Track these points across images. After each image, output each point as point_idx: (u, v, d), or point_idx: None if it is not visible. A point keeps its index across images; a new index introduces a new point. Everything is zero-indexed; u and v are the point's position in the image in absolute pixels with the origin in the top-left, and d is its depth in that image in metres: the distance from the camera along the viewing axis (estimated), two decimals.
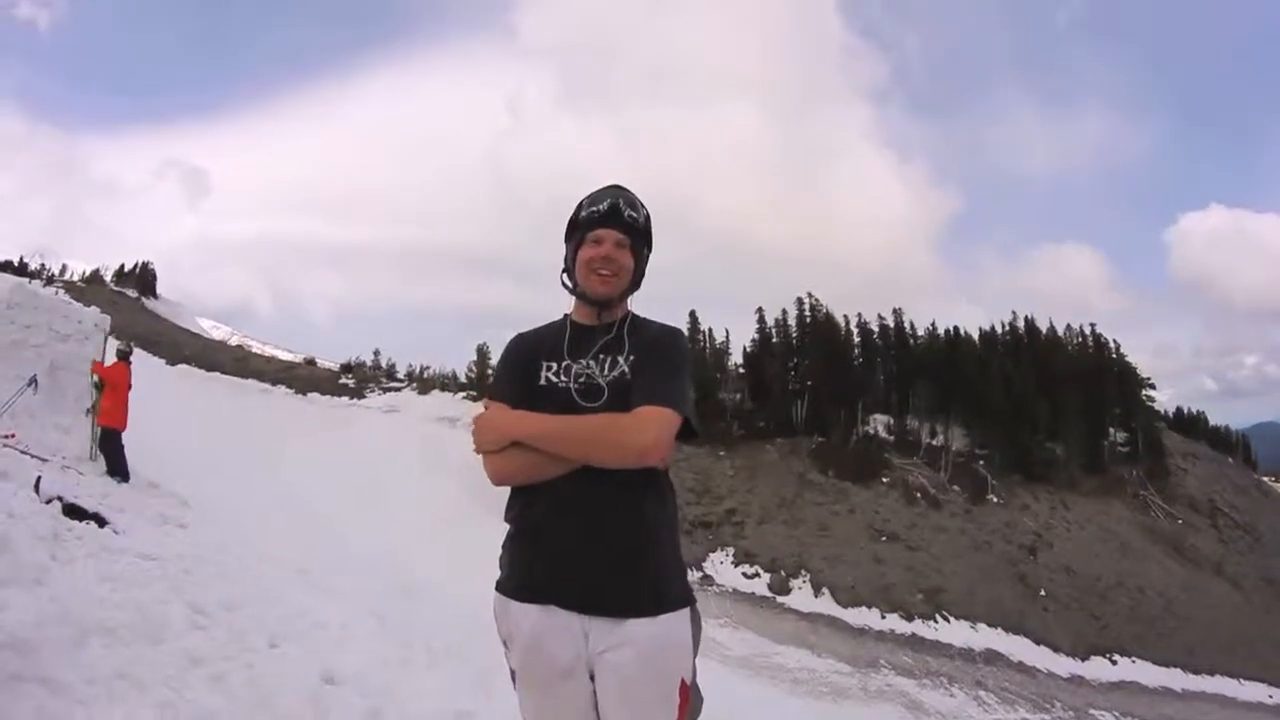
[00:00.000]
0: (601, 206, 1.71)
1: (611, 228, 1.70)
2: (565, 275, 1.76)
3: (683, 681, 1.59)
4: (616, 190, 1.74)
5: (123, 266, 67.83)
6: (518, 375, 1.72)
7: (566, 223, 1.77)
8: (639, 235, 1.73)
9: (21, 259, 64.18)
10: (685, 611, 1.62)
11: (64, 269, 67.29)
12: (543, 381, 1.68)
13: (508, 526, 1.69)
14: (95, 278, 64.66)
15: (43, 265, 65.06)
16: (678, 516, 1.71)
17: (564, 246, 1.78)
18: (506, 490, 1.71)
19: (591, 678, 1.59)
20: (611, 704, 1.57)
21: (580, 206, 1.74)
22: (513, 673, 1.68)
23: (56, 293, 13.80)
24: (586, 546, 1.56)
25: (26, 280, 20.67)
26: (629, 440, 1.53)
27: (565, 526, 1.58)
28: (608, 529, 1.57)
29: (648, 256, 1.77)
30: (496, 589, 1.68)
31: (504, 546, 1.69)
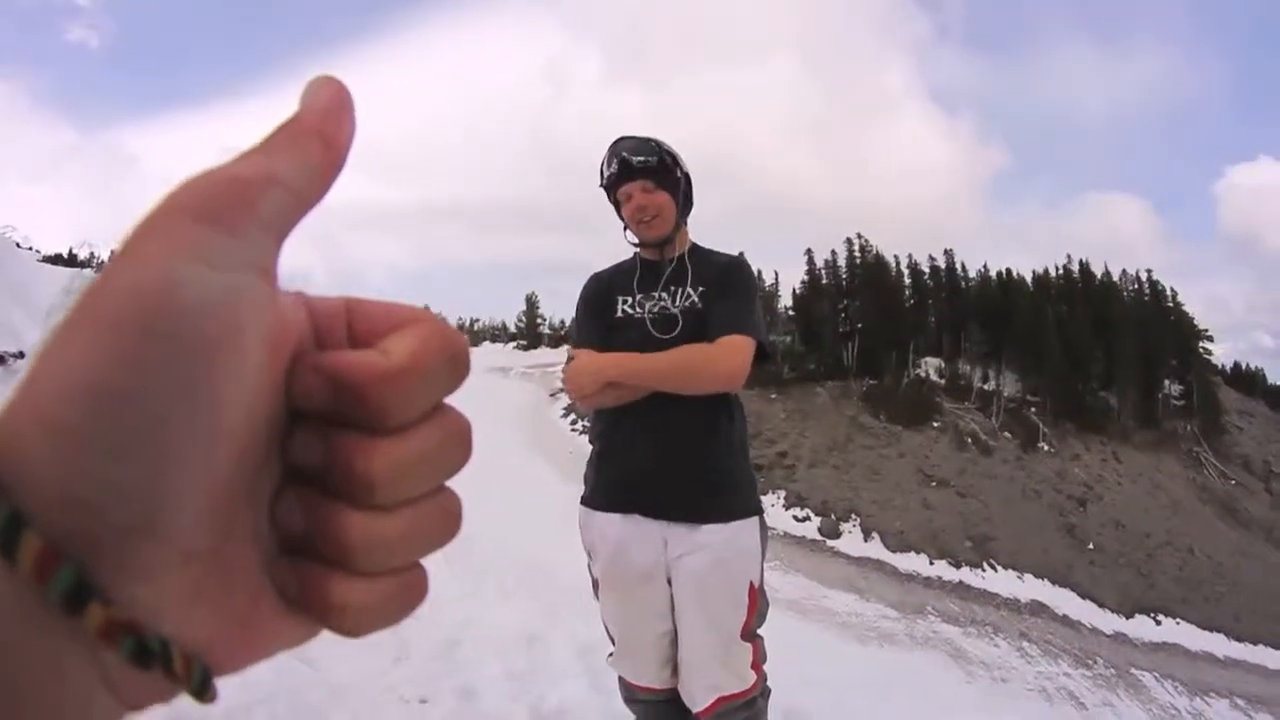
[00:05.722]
0: (614, 167, 1.81)
1: (630, 180, 1.79)
2: (627, 233, 1.86)
3: (751, 584, 1.70)
4: (618, 145, 1.83)
5: None
6: (597, 313, 1.83)
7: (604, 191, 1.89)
8: (659, 170, 1.80)
9: (70, 250, 65.76)
10: (754, 520, 1.73)
11: (111, 255, 69.37)
12: (619, 314, 1.81)
13: (593, 447, 1.84)
14: None
15: (92, 254, 66.85)
16: (747, 434, 1.83)
17: (611, 209, 1.91)
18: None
19: (669, 583, 1.71)
20: (687, 605, 1.69)
21: (600, 175, 1.86)
22: (595, 582, 1.81)
23: None
24: (666, 460, 1.69)
25: (79, 270, 21.28)
26: (717, 369, 1.65)
27: (647, 443, 1.70)
28: (685, 445, 1.70)
29: (681, 177, 1.83)
30: (582, 503, 1.81)
31: (589, 464, 1.83)
